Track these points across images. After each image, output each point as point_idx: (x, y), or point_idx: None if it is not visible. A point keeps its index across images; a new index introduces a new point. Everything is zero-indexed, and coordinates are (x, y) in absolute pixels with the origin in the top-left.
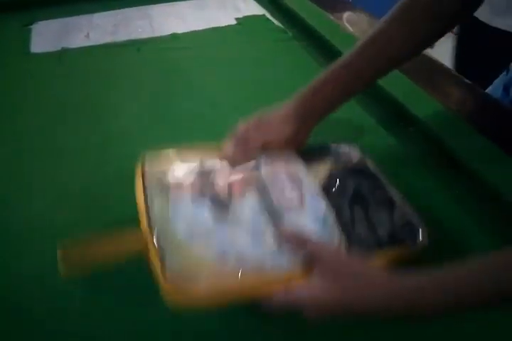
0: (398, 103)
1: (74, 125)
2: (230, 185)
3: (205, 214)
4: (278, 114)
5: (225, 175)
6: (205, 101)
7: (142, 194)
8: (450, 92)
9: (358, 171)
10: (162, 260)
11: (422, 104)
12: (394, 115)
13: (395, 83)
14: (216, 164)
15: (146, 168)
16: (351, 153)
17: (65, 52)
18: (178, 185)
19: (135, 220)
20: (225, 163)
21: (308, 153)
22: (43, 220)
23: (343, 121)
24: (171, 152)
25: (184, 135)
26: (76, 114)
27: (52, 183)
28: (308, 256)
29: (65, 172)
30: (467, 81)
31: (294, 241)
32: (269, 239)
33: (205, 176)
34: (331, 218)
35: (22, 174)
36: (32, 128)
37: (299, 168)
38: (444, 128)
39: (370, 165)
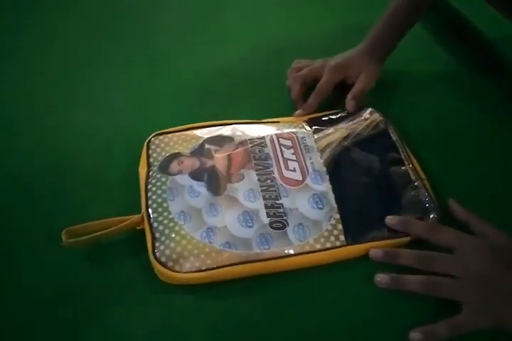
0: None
1: (119, 36)
2: (230, 156)
3: (200, 191)
4: (351, 54)
5: (227, 149)
6: (254, 16)
7: (145, 176)
8: None
9: (376, 140)
10: (153, 240)
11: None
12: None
13: None
14: (220, 143)
15: (151, 151)
16: (371, 118)
17: None
18: (179, 164)
19: None
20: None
21: (325, 120)
22: (88, 129)
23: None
24: (176, 134)
25: (232, 51)
26: (122, 22)
27: (97, 93)
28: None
29: (110, 82)
30: None
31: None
32: (261, 218)
33: (207, 153)
34: (330, 196)
35: (67, 84)
36: (76, 38)
37: (309, 135)
38: None
39: (392, 133)
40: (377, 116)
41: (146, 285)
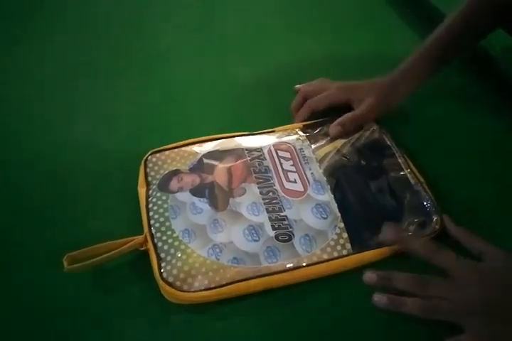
0: None
1: (118, 46)
2: (230, 171)
3: (203, 207)
4: (370, 80)
5: (226, 164)
6: (253, 26)
7: (145, 195)
8: None
9: (372, 147)
10: (159, 261)
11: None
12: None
13: None
14: (218, 157)
15: (148, 170)
16: (366, 126)
17: None
18: (179, 181)
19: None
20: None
21: (321, 128)
22: (87, 141)
23: None
24: (173, 151)
25: (231, 62)
26: (121, 33)
27: (96, 105)
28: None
29: (108, 93)
30: None
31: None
32: (266, 231)
33: (206, 169)
34: (333, 206)
35: (66, 95)
36: (75, 50)
37: (306, 146)
38: None
39: (388, 140)
40: (371, 125)
41: (147, 305)
